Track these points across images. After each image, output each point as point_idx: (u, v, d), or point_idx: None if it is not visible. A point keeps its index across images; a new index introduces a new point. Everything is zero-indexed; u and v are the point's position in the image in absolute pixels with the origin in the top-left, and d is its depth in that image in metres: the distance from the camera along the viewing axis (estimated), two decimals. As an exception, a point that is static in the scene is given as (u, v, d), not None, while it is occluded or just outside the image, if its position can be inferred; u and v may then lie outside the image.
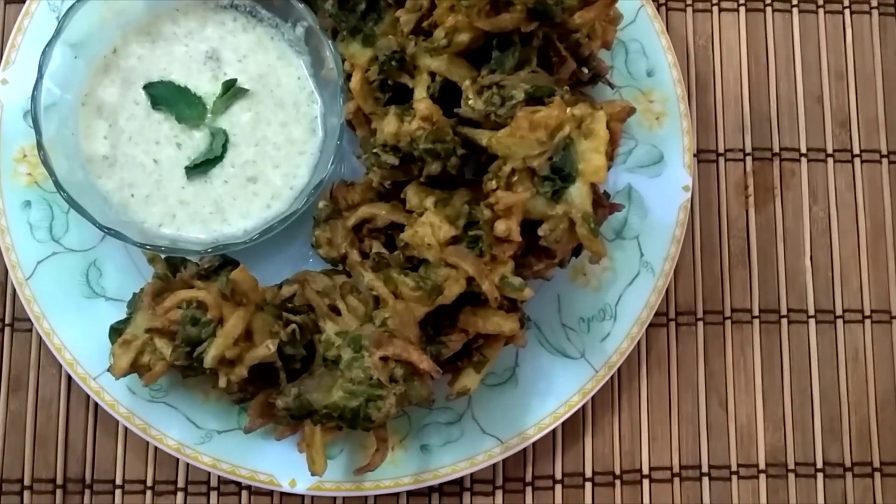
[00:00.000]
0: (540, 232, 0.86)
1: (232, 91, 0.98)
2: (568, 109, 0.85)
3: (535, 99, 0.87)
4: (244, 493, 1.01)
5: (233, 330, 0.84)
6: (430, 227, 0.88)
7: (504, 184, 0.86)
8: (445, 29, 0.88)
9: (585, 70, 1.00)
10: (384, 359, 0.86)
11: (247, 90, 0.99)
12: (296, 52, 1.00)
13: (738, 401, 1.08)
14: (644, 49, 1.08)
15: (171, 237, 0.95)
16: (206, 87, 0.98)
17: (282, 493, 1.01)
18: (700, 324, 1.09)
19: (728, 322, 1.09)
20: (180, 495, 1.01)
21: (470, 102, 0.89)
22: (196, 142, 0.98)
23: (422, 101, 0.87)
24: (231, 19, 1.00)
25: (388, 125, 0.89)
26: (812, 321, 1.10)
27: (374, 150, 0.91)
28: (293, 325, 0.86)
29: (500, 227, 0.85)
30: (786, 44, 1.15)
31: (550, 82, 0.90)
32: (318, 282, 0.93)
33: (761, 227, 1.11)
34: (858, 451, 1.08)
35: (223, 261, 0.94)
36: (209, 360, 0.84)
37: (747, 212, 1.11)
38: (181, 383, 0.97)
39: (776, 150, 1.13)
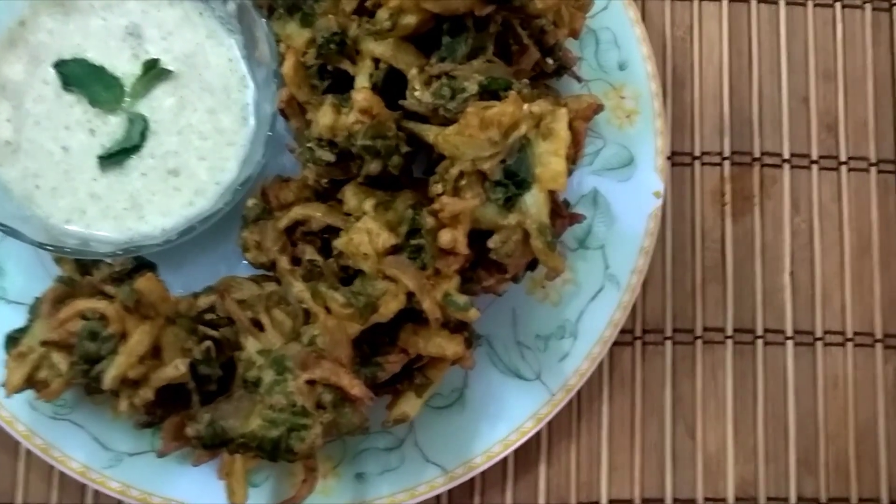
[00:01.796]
0: (490, 244, 0.76)
1: (154, 72, 0.87)
2: (525, 106, 0.75)
3: (490, 92, 0.78)
4: (157, 522, 0.91)
5: (136, 347, 0.74)
6: (366, 234, 0.78)
7: (451, 188, 0.76)
8: (390, 9, 0.77)
9: (550, 61, 0.90)
10: (310, 382, 0.76)
11: (171, 72, 0.88)
12: (227, 31, 0.89)
13: (708, 428, 0.99)
14: (616, 39, 0.98)
15: (79, 235, 0.85)
16: (125, 67, 0.88)
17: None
18: (668, 343, 1.00)
19: (699, 342, 1.00)
20: (85, 522, 0.91)
21: (416, 94, 0.79)
22: (111, 128, 0.87)
23: (361, 91, 0.77)
24: (154, -9, 0.89)
25: (324, 117, 0.79)
26: (790, 343, 1.01)
27: (309, 145, 0.81)
28: (207, 343, 0.76)
29: (445, 237, 0.75)
30: (771, 39, 1.06)
31: (508, 74, 0.80)
32: (243, 290, 0.83)
33: (738, 239, 1.02)
34: (836, 486, 0.99)
35: (138, 263, 0.83)
36: (108, 381, 0.73)
37: (723, 221, 1.02)
38: (88, 399, 0.87)
39: (757, 154, 1.04)
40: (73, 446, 0.86)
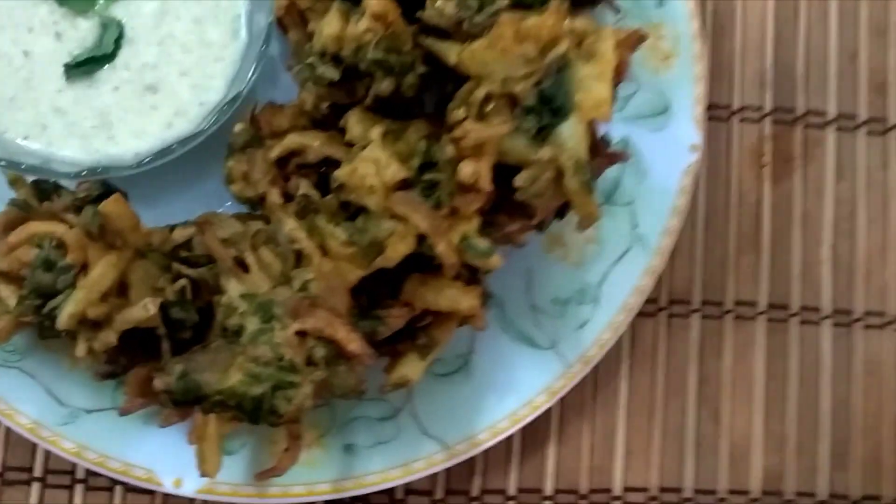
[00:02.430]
0: (517, 181, 0.65)
1: (132, -28, 0.76)
2: (566, 21, 0.64)
3: (523, 6, 0.67)
4: (118, 490, 0.80)
5: (99, 281, 0.62)
6: (373, 164, 0.67)
7: (475, 113, 0.65)
8: None
9: (586, -11, 0.79)
10: (301, 334, 0.65)
11: (152, -28, 0.76)
12: (220, -73, 0.78)
13: (735, 413, 0.89)
14: (655, -27, 0.88)
15: (39, 154, 0.74)
16: (99, -35, 0.76)
17: (165, 494, 0.80)
18: (695, 316, 0.89)
19: (729, 316, 0.90)
20: (36, 487, 0.79)
21: (438, 4, 0.68)
22: (81, 33, 0.75)
23: (375, -5, 0.65)
24: None
25: (329, 25, 0.67)
26: (826, 323, 0.91)
27: (310, 60, 0.70)
28: (182, 281, 0.65)
29: (466, 169, 0.64)
30: (820, -11, 0.96)
31: (545, -13, 0.69)
32: (225, 227, 0.72)
33: (777, 205, 0.92)
34: (870, 483, 0.90)
35: (105, 190, 0.72)
36: (64, 320, 0.62)
37: (761, 185, 0.92)
38: (42, 344, 0.75)
39: (800, 112, 0.94)
40: (23, 399, 0.75)
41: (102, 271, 0.62)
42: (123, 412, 0.71)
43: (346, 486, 0.77)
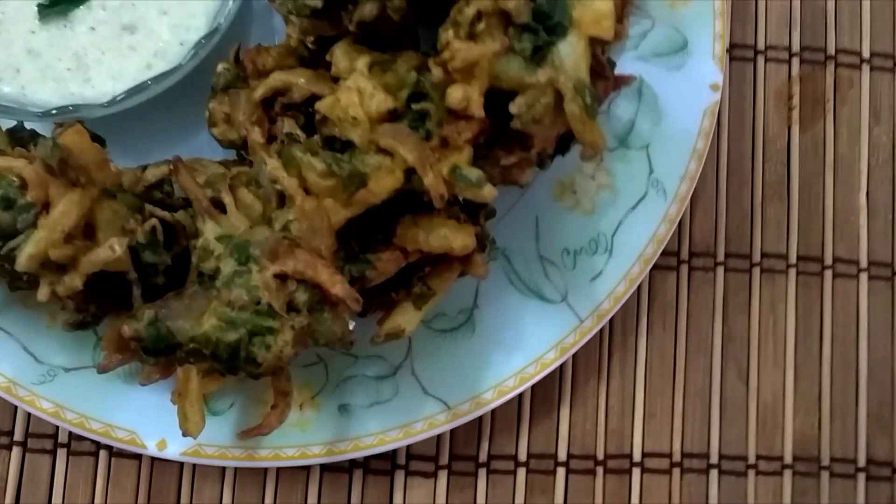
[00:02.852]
0: (513, 108, 0.60)
1: None
2: (562, -68, 0.59)
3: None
4: (102, 454, 0.76)
5: (61, 219, 0.58)
6: (357, 94, 0.62)
7: (465, 33, 0.60)
8: None
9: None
10: (281, 277, 0.60)
11: None
12: None
13: (763, 373, 0.82)
14: None
15: (11, 98, 0.70)
16: None
17: (153, 458, 0.75)
18: (720, 269, 0.83)
19: (756, 270, 0.83)
20: (16, 451, 0.75)
21: (426, -80, 0.63)
22: (55, -29, 0.71)
23: None
24: None
25: (309, -52, 0.63)
26: (863, 276, 0.85)
27: (290, -10, 0.65)
28: (153, 221, 0.61)
29: (455, 94, 0.59)
30: (854, -84, 0.89)
31: None
32: (207, 172, 0.68)
33: (806, 151, 0.86)
34: (914, 448, 0.83)
35: (81, 134, 0.68)
36: (23, 261, 0.58)
37: (789, 129, 0.86)
38: (19, 300, 0.71)
39: (831, 52, 0.87)
40: (-1, 357, 0.71)
41: (64, 209, 0.58)
42: (102, 369, 0.67)
43: (341, 449, 0.72)
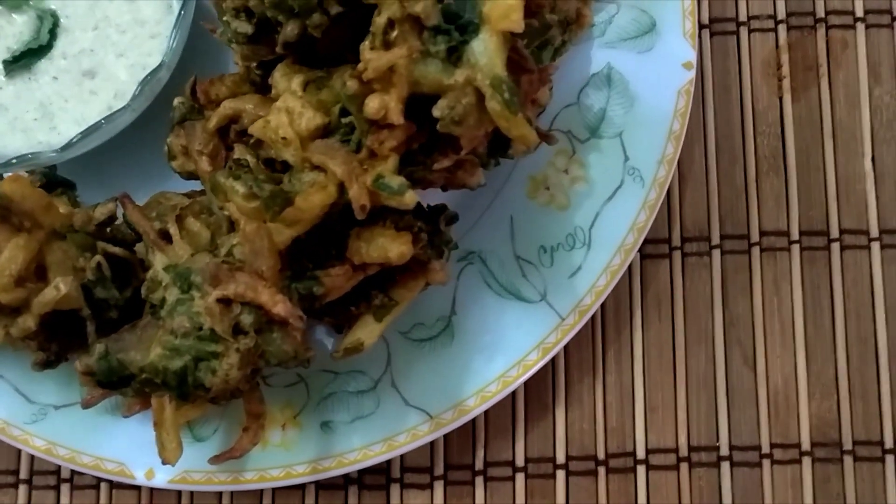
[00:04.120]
0: (435, 111, 0.59)
1: (62, -41, 0.74)
2: (466, -73, 0.58)
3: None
4: (103, 487, 0.78)
5: (8, 264, 0.60)
6: (286, 114, 0.63)
7: (380, 42, 0.59)
8: None
9: None
10: (225, 301, 0.61)
11: (82, -43, 0.75)
12: None
13: (772, 357, 0.78)
14: None
15: (-16, 152, 0.73)
16: (32, -42, 0.75)
17: (151, 489, 0.77)
18: (716, 252, 0.80)
19: (756, 249, 0.80)
20: (22, 489, 0.78)
21: (340, -65, 0.63)
22: (18, 28, 0.75)
23: (262, -67, 0.61)
24: None
25: (232, -23, 0.64)
26: (875, 245, 0.80)
27: (225, 18, 0.66)
28: (98, 258, 0.62)
29: (372, 104, 0.58)
30: None
31: None
32: (171, 203, 0.69)
33: (801, 120, 0.81)
34: (946, 424, 0.78)
35: (49, 180, 0.71)
36: (-25, 307, 0.61)
37: (781, 100, 0.82)
38: (7, 343, 0.74)
39: (820, 14, 0.83)
40: (-8, 398, 0.74)
41: (10, 255, 0.60)
42: (86, 405, 0.69)
43: (325, 466, 0.72)
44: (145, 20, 0.74)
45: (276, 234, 0.63)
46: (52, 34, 0.74)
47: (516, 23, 0.57)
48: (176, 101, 0.72)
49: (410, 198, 0.59)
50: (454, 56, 0.58)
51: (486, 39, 0.57)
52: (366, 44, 0.60)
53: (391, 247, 0.62)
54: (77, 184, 0.73)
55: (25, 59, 0.74)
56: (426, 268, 0.68)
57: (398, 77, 0.59)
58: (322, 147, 0.62)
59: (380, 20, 0.59)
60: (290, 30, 0.63)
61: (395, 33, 0.59)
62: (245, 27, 0.65)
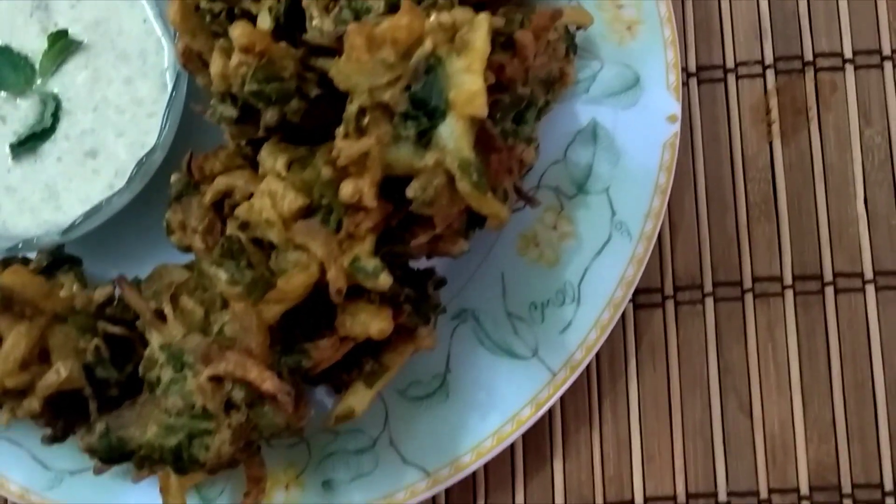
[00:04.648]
0: (409, 192, 0.61)
1: (62, 44, 0.78)
2: (432, 16, 0.60)
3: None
4: (122, 546, 0.81)
5: (12, 352, 0.64)
6: (269, 196, 0.65)
7: (353, 129, 0.62)
8: (266, -74, 0.64)
9: (510, -31, 0.74)
10: (216, 379, 0.64)
11: (81, 42, 0.78)
12: (139, -12, 0.79)
13: (768, 402, 0.79)
14: (607, -64, 0.81)
15: (-5, 234, 0.77)
16: (34, 45, 0.79)
17: (168, 545, 0.80)
18: (709, 300, 0.81)
19: (749, 296, 0.81)
20: (48, 550, 0.82)
21: (315, 23, 0.65)
22: (22, 112, 0.78)
23: (238, 26, 0.64)
24: (62, -46, 0.80)
25: (214, 64, 0.66)
26: (870, 287, 0.80)
27: (211, 102, 0.69)
28: (96, 341, 0.65)
29: (346, 189, 0.61)
30: None
31: (426, -17, 0.65)
32: (173, 279, 0.72)
33: (792, 165, 0.82)
34: (947, 465, 0.78)
35: (56, 258, 0.74)
36: (-17, 393, 0.64)
37: (771, 145, 0.82)
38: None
39: (808, 57, 0.83)
40: (12, 467, 0.78)
41: (13, 342, 0.64)
42: (97, 472, 0.73)
43: (327, 525, 0.75)
44: (142, 100, 0.77)
45: (265, 310, 0.66)
46: (55, 117, 0.77)
47: (480, 108, 0.59)
48: (173, 177, 0.75)
49: (384, 280, 0.61)
50: (424, 139, 0.60)
51: (453, 124, 0.59)
52: (340, 130, 0.62)
53: (372, 323, 0.64)
54: (84, 256, 0.77)
55: (31, 142, 0.77)
56: (413, 335, 0.70)
57: (371, 161, 0.61)
58: (304, 228, 0.64)
59: (352, 108, 0.61)
60: (269, 116, 0.66)
61: (366, 119, 0.61)
62: (230, 111, 0.68)
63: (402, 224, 0.65)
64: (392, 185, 0.63)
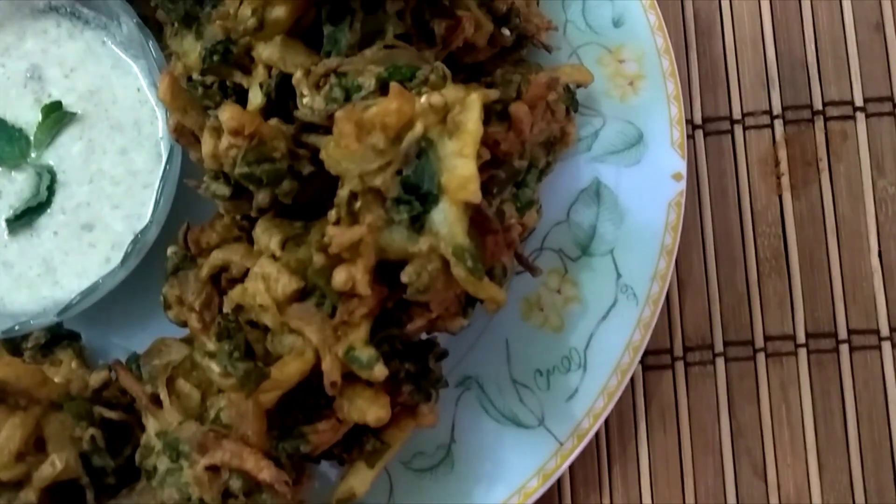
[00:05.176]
0: (404, 277, 0.60)
1: (56, 116, 0.77)
2: (423, 98, 0.58)
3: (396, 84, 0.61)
4: None
5: (6, 444, 0.63)
6: (263, 280, 0.64)
7: (345, 213, 0.60)
8: (252, 3, 0.63)
9: (507, 31, 0.72)
10: (213, 468, 0.62)
11: (75, 114, 0.77)
12: (132, 57, 0.78)
13: (782, 465, 0.77)
14: (607, -10, 0.79)
15: (-8, 311, 0.76)
16: (28, 116, 0.78)
17: None
18: (720, 361, 0.79)
19: (761, 355, 0.78)
20: None
21: (306, 101, 0.64)
22: (18, 186, 0.77)
23: (227, 109, 0.62)
24: (54, 25, 0.79)
25: (205, 144, 0.65)
26: (887, 344, 0.78)
27: (204, 179, 0.68)
28: (91, 430, 0.64)
29: (339, 277, 0.59)
30: (823, -47, 0.82)
31: (418, 58, 0.64)
32: (171, 354, 0.71)
33: (803, 218, 0.80)
34: (969, 527, 0.75)
35: (53, 335, 0.74)
36: (-23, 486, 0.63)
37: (780, 198, 0.80)
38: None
39: (818, 106, 0.81)
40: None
41: (7, 434, 0.63)
42: (98, 555, 0.72)
43: None
44: (138, 171, 0.76)
45: (261, 397, 0.64)
46: (51, 190, 0.76)
47: (473, 194, 0.57)
48: (169, 250, 0.74)
49: (380, 372, 0.60)
50: (418, 224, 0.59)
51: (446, 209, 0.58)
52: (331, 214, 0.61)
53: (369, 410, 0.63)
54: (82, 327, 0.77)
55: (27, 216, 0.76)
56: (415, 411, 0.68)
57: (364, 247, 0.59)
58: (298, 312, 0.63)
59: (343, 192, 0.60)
60: (261, 199, 0.64)
61: (358, 204, 0.60)
62: (223, 189, 0.67)
63: (398, 304, 0.64)
64: (387, 267, 0.61)
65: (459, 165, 0.57)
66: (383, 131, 0.58)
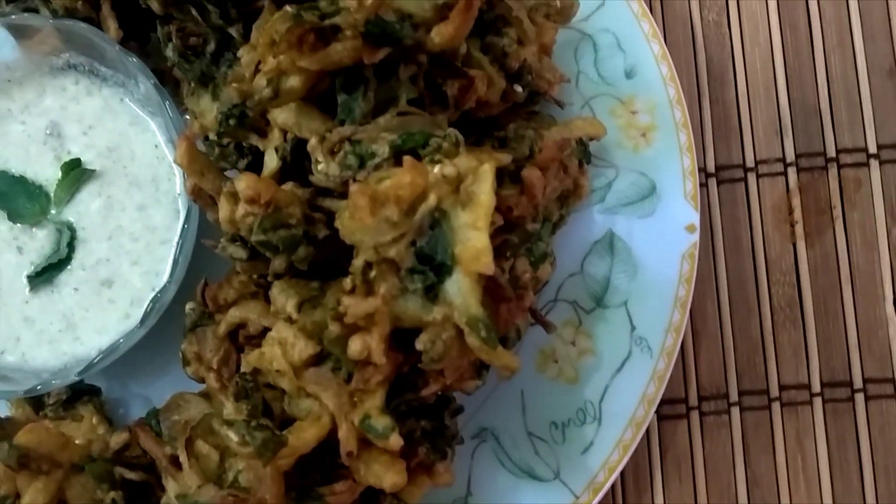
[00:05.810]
0: (418, 345, 0.60)
1: (76, 173, 0.78)
2: (436, 168, 0.59)
3: (409, 151, 0.62)
4: None
5: (30, 509, 0.64)
6: (279, 345, 0.65)
7: (360, 282, 0.61)
8: (266, 75, 0.63)
9: (519, 88, 0.73)
10: (232, 532, 0.63)
11: (94, 171, 0.78)
12: (149, 114, 0.79)
13: (798, 514, 0.77)
14: (619, 42, 0.79)
15: (14, 366, 0.77)
16: (48, 173, 0.79)
17: None
18: (735, 410, 0.79)
19: (776, 405, 0.79)
20: None
21: (321, 167, 0.64)
22: (39, 242, 0.78)
23: (242, 179, 0.63)
24: (72, 83, 0.80)
25: (221, 209, 0.66)
26: (903, 393, 0.78)
27: (221, 242, 0.69)
28: (112, 494, 0.65)
29: (354, 346, 0.60)
30: (836, 2, 0.82)
31: (429, 125, 0.64)
32: (190, 410, 0.72)
33: (817, 266, 0.80)
34: None
35: (74, 391, 0.75)
36: (5, 551, 0.64)
37: (794, 246, 0.80)
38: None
39: (831, 153, 0.81)
40: None
41: (30, 500, 0.64)
42: None
43: None
44: (156, 227, 0.77)
45: (279, 458, 0.65)
46: (71, 247, 0.77)
47: (486, 266, 0.58)
48: (187, 307, 0.75)
49: (395, 441, 0.60)
50: (432, 293, 0.60)
51: (460, 280, 0.58)
52: (346, 283, 0.61)
53: (385, 476, 0.63)
54: (102, 381, 0.78)
55: (48, 272, 0.77)
56: (431, 470, 0.69)
57: (380, 316, 0.60)
58: (314, 377, 0.64)
59: (358, 262, 0.61)
60: (277, 265, 0.65)
61: (373, 273, 0.61)
62: (240, 252, 0.68)
63: (413, 368, 0.64)
64: (402, 333, 0.62)
65: (473, 237, 0.58)
66: (397, 204, 0.58)
